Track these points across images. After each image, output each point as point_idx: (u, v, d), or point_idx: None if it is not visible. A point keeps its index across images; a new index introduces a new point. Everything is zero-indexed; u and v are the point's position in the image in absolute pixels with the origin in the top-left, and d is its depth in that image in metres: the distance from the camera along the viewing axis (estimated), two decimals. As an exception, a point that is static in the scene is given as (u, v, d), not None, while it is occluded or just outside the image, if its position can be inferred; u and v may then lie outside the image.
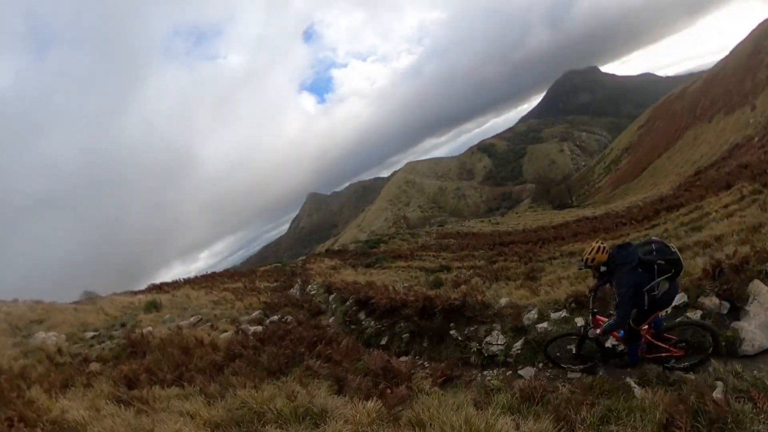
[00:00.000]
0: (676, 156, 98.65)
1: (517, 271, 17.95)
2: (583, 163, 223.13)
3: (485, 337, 8.29)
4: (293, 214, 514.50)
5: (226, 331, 12.01)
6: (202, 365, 8.28)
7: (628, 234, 23.15)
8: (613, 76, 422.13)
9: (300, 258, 53.51)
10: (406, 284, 17.56)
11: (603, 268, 5.79)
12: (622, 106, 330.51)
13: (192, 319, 15.19)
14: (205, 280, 31.69)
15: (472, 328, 8.67)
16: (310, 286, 22.55)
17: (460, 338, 8.71)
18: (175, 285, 30.26)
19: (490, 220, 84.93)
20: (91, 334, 15.35)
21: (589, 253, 5.84)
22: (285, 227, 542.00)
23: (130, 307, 20.39)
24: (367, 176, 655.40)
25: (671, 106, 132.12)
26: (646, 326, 5.82)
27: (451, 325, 9.13)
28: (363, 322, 11.85)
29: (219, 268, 47.37)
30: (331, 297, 16.75)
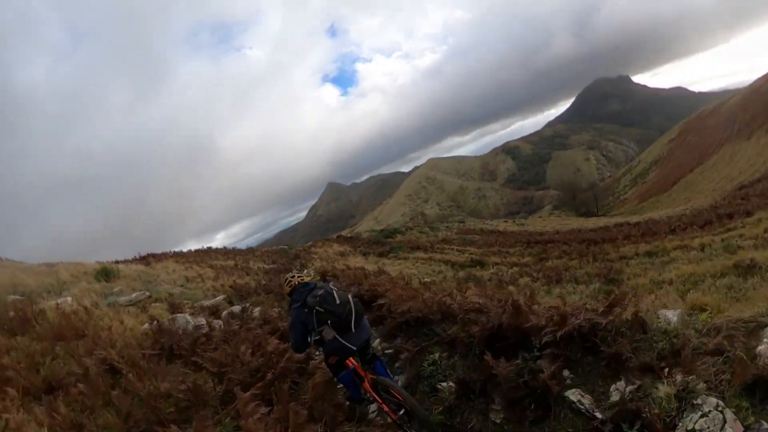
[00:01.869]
0: (709, 171, 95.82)
1: (585, 271, 14.36)
2: (608, 174, 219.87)
3: (681, 411, 3.37)
4: (311, 202, 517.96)
5: (155, 319, 8.10)
6: (32, 381, 4.50)
7: (702, 236, 20.15)
8: (645, 87, 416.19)
9: (309, 242, 49.91)
10: (427, 279, 13.83)
11: (289, 298, 5.87)
12: (652, 117, 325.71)
13: (134, 295, 11.54)
14: (197, 255, 28.70)
15: (632, 386, 3.75)
16: (306, 271, 18.84)
17: (598, 414, 3.77)
18: (162, 257, 27.48)
19: (514, 221, 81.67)
20: (13, 297, 12.06)
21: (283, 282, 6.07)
22: (302, 214, 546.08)
23: (92, 273, 17.20)
24: (387, 170, 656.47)
25: (705, 121, 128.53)
26: (359, 367, 5.52)
27: (567, 375, 4.33)
28: None
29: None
30: None
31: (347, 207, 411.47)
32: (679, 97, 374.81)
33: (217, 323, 7.82)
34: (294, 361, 5.37)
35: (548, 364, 4.25)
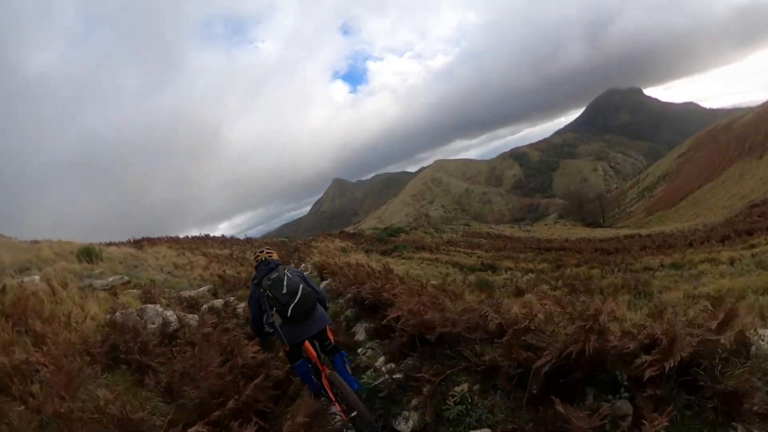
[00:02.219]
0: (718, 189, 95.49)
1: (609, 281, 13.39)
2: (615, 186, 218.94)
3: None
4: (316, 197, 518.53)
5: (116, 309, 7.02)
6: None
7: (726, 251, 19.39)
8: (656, 100, 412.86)
9: (310, 237, 48.72)
10: (434, 281, 12.71)
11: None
12: (662, 131, 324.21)
13: (111, 279, 10.48)
14: (192, 242, 27.67)
15: None
16: (303, 265, 17.74)
17: None
18: (157, 241, 26.50)
19: (520, 227, 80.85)
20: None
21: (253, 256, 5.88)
22: (307, 209, 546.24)
23: (76, 253, 16.23)
24: (393, 169, 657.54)
25: (716, 138, 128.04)
26: (316, 359, 4.99)
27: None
28: (360, 350, 6.11)
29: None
30: (323, 284, 11.36)
31: (351, 204, 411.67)
32: (690, 112, 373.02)
33: (192, 318, 6.70)
34: (270, 384, 4.18)
35: (647, 410, 2.82)
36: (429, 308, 4.88)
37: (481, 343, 4.31)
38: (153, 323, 6.08)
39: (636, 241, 34.16)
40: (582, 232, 65.29)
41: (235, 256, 21.73)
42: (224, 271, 14.24)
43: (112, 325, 5.44)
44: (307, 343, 5.03)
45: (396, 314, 5.25)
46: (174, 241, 26.74)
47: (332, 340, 5.24)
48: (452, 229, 61.77)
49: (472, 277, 14.91)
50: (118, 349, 4.77)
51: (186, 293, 9.97)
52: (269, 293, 4.91)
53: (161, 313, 6.49)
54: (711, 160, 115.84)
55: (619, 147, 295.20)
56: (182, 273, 14.35)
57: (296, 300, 4.87)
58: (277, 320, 4.90)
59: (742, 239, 23.93)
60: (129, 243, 26.40)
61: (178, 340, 5.34)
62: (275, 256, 5.62)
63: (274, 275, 5.07)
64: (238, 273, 14.41)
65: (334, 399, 4.91)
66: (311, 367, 5.11)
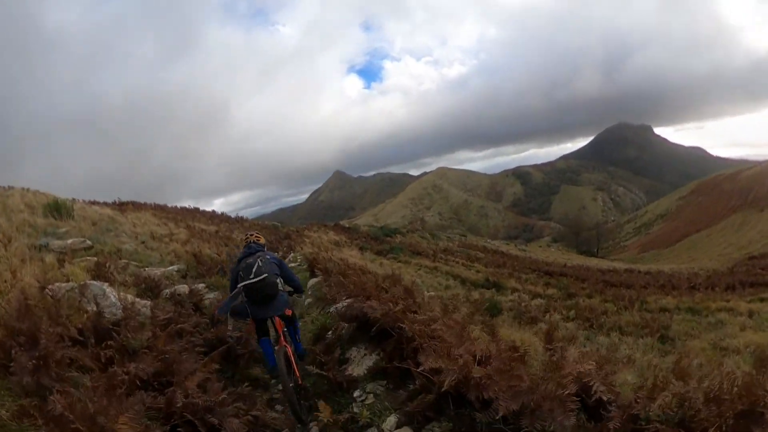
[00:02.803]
0: (716, 236, 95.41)
1: (627, 320, 12.59)
2: (612, 218, 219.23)
3: None
4: (315, 186, 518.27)
5: (68, 280, 5.78)
6: None
7: (738, 300, 18.98)
8: (665, 140, 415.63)
9: (304, 225, 47.34)
10: (433, 293, 11.62)
11: None
12: (666, 172, 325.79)
13: (71, 242, 9.16)
14: (178, 213, 26.36)
15: None
16: (292, 255, 16.35)
17: None
18: (142, 207, 25.40)
19: (516, 245, 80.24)
20: None
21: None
22: (304, 196, 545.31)
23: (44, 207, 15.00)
24: (395, 170, 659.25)
25: (720, 185, 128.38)
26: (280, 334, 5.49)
27: None
28: (356, 394, 4.65)
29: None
30: (312, 282, 9.81)
31: (350, 198, 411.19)
32: (696, 156, 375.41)
33: (144, 307, 5.41)
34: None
35: None
36: (499, 377, 3.04)
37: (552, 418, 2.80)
38: (93, 307, 4.80)
39: (637, 277, 33.28)
40: (577, 259, 64.51)
41: (221, 234, 20.41)
42: (201, 251, 12.78)
43: (24, 309, 3.89)
44: (278, 319, 5.52)
45: (432, 366, 3.38)
46: (160, 209, 25.45)
47: (288, 315, 5.66)
48: (448, 237, 60.74)
49: (476, 294, 13.73)
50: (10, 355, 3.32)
51: (150, 271, 8.52)
52: (241, 274, 5.28)
53: (109, 295, 5.17)
54: (712, 207, 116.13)
55: (622, 181, 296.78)
56: (157, 245, 12.94)
57: (261, 286, 5.19)
58: (243, 298, 5.29)
59: (748, 291, 23.21)
60: (113, 205, 25.10)
61: (110, 342, 3.97)
62: (262, 241, 6.00)
63: (249, 260, 5.38)
64: (218, 254, 13.02)
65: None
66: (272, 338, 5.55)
